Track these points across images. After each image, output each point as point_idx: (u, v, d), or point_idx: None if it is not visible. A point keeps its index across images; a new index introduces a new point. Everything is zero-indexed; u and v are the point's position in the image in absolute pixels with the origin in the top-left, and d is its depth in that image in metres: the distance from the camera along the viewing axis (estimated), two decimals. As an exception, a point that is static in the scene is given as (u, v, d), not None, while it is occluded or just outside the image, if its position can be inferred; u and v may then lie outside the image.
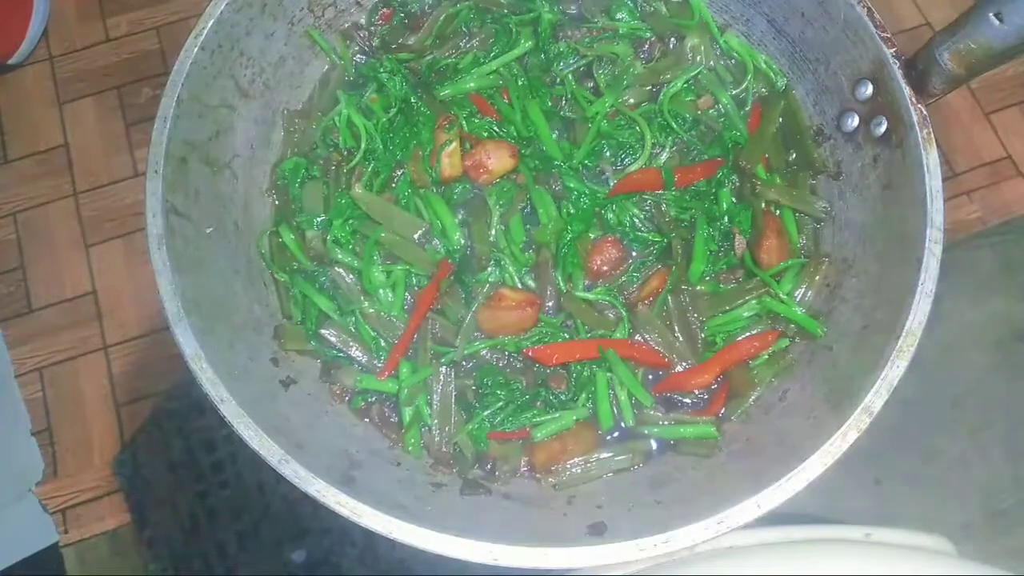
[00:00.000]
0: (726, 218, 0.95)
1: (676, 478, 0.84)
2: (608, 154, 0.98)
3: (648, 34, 1.03)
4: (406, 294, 0.94)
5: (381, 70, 1.00)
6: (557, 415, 0.87)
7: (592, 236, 0.95)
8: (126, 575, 1.53)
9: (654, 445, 0.88)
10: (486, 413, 0.87)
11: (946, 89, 0.80)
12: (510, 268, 0.93)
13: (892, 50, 0.83)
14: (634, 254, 0.95)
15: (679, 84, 0.99)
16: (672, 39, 1.02)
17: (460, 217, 0.95)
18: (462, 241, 0.94)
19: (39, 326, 1.72)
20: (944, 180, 0.79)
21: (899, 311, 0.76)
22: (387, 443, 0.89)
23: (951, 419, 1.46)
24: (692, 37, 1.01)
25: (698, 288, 0.93)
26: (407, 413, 0.88)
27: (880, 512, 1.37)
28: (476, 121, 0.99)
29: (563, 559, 0.68)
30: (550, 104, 1.00)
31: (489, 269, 0.93)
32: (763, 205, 0.95)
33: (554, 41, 1.02)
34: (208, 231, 0.88)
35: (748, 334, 0.92)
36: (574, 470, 0.86)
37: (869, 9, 0.85)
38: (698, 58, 1.01)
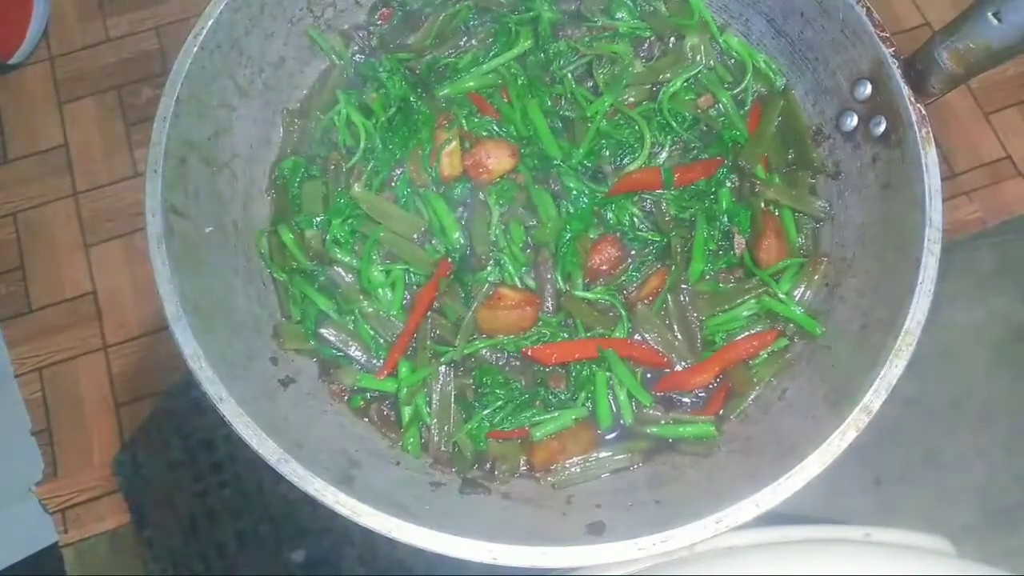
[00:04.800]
0: (725, 217, 0.95)
1: (675, 477, 0.84)
2: (607, 153, 0.98)
3: (648, 33, 1.03)
4: (405, 293, 0.94)
5: (380, 69, 1.00)
6: (556, 414, 0.87)
7: (591, 235, 0.95)
8: (126, 575, 1.53)
9: (653, 444, 0.88)
10: (485, 412, 0.87)
11: (945, 89, 0.80)
12: (509, 267, 0.93)
13: (891, 50, 0.83)
14: (633, 253, 0.95)
15: (678, 83, 0.99)
16: (671, 38, 1.02)
17: (459, 216, 0.95)
18: (461, 240, 0.94)
19: (39, 326, 1.72)
20: (944, 180, 0.79)
21: (898, 310, 0.76)
22: (386, 442, 0.89)
23: (951, 419, 1.46)
24: (691, 36, 1.01)
25: (697, 287, 0.93)
26: (406, 412, 0.88)
27: (880, 512, 1.37)
28: (476, 120, 0.99)
29: (562, 558, 0.68)
30: (549, 103, 1.00)
31: (488, 268, 0.93)
32: (762, 204, 0.95)
33: (554, 40, 1.02)
34: (207, 230, 0.88)
35: (747, 333, 0.92)
36: (573, 469, 0.86)
37: (868, 9, 0.85)
38: (697, 57, 1.01)
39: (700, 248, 0.93)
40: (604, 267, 0.93)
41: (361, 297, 0.92)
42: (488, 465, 0.87)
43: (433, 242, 0.95)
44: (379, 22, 1.08)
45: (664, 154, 0.99)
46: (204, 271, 0.85)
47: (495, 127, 0.99)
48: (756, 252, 0.93)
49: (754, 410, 0.88)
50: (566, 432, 0.87)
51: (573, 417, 0.88)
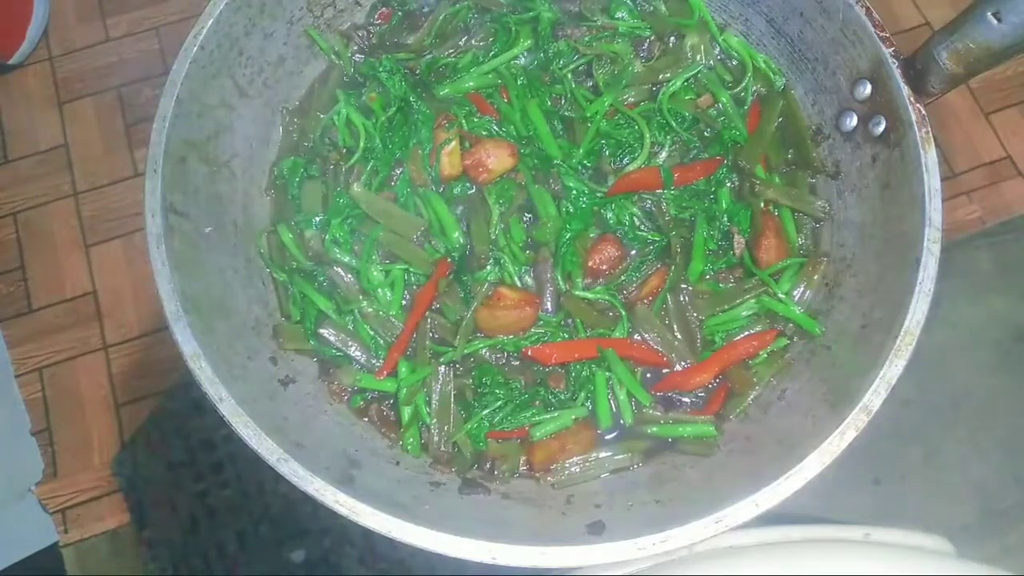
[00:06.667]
0: (725, 217, 0.95)
1: (675, 477, 0.84)
2: (607, 153, 0.98)
3: (647, 33, 1.03)
4: (405, 293, 0.94)
5: (380, 69, 1.00)
6: (556, 414, 0.87)
7: (591, 235, 0.95)
8: (126, 575, 1.53)
9: (653, 444, 0.88)
10: (485, 412, 0.87)
11: (945, 88, 0.80)
12: (509, 267, 0.93)
13: (890, 49, 0.83)
14: (633, 253, 0.95)
15: (678, 83, 0.99)
16: (671, 38, 1.02)
17: (459, 216, 0.95)
18: (461, 240, 0.94)
19: (39, 326, 1.73)
20: (944, 180, 0.79)
21: (897, 310, 0.76)
22: (386, 442, 0.89)
23: (951, 419, 1.46)
24: (691, 36, 1.01)
25: (697, 287, 0.93)
26: (406, 412, 0.88)
27: (879, 512, 1.37)
28: (476, 120, 0.99)
29: (562, 558, 0.68)
30: (549, 103, 1.00)
31: (488, 268, 0.93)
32: (762, 204, 0.95)
33: (553, 40, 1.02)
34: (207, 230, 0.88)
35: (747, 333, 0.92)
36: (573, 469, 0.86)
37: (867, 8, 0.85)
38: (697, 57, 1.01)
39: (700, 248, 0.93)
40: (604, 267, 0.93)
41: (361, 297, 0.92)
42: (488, 465, 0.87)
43: (433, 242, 0.95)
44: (378, 22, 1.08)
45: (664, 154, 0.99)
46: (204, 271, 0.85)
47: (495, 127, 0.99)
48: (756, 252, 0.93)
49: (754, 410, 0.88)
50: (566, 432, 0.87)
51: (573, 417, 0.88)
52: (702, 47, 1.01)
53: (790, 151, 0.99)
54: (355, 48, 1.06)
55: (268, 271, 0.95)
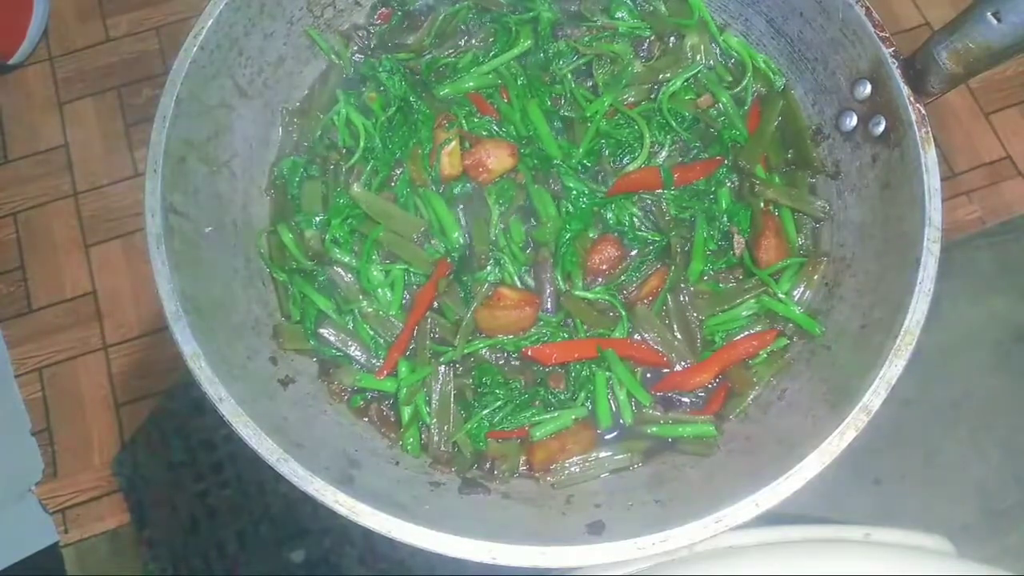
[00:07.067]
0: (725, 217, 0.95)
1: (675, 477, 0.84)
2: (607, 153, 0.98)
3: (647, 33, 1.03)
4: (405, 293, 0.94)
5: (380, 69, 1.00)
6: (556, 414, 0.87)
7: (591, 235, 0.95)
8: (126, 575, 1.53)
9: (653, 444, 0.88)
10: (485, 412, 0.87)
11: (944, 88, 0.80)
12: (509, 267, 0.93)
13: (890, 49, 0.83)
14: (633, 253, 0.95)
15: (678, 83, 0.99)
16: (671, 38, 1.02)
17: (459, 216, 0.95)
18: (461, 240, 0.94)
19: (39, 326, 1.73)
20: (943, 180, 0.79)
21: (897, 310, 0.76)
22: (386, 442, 0.89)
23: (951, 419, 1.46)
24: (691, 36, 1.01)
25: (697, 287, 0.93)
26: (406, 412, 0.88)
27: (880, 512, 1.37)
28: (475, 120, 0.99)
29: (561, 558, 0.68)
30: (549, 103, 1.00)
31: (488, 268, 0.93)
32: (762, 204, 0.95)
33: (553, 40, 1.02)
34: (207, 230, 0.88)
35: (747, 333, 0.92)
36: (573, 469, 0.86)
37: (867, 8, 0.85)
38: (697, 57, 1.01)
39: (700, 248, 0.93)
40: (604, 267, 0.93)
41: (360, 297, 0.92)
42: (487, 465, 0.87)
43: (433, 242, 0.95)
44: (378, 22, 1.08)
45: (664, 154, 0.99)
46: (204, 271, 0.85)
47: (495, 127, 0.99)
48: (756, 252, 0.93)
49: (754, 410, 0.88)
50: (566, 432, 0.87)
51: (573, 417, 0.88)
52: (702, 47, 1.01)
53: (790, 151, 0.99)
54: (355, 48, 1.06)
55: (268, 271, 0.95)
